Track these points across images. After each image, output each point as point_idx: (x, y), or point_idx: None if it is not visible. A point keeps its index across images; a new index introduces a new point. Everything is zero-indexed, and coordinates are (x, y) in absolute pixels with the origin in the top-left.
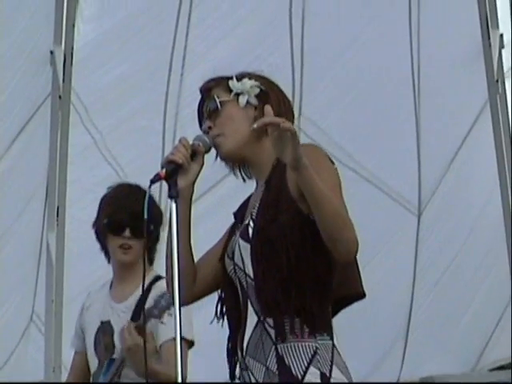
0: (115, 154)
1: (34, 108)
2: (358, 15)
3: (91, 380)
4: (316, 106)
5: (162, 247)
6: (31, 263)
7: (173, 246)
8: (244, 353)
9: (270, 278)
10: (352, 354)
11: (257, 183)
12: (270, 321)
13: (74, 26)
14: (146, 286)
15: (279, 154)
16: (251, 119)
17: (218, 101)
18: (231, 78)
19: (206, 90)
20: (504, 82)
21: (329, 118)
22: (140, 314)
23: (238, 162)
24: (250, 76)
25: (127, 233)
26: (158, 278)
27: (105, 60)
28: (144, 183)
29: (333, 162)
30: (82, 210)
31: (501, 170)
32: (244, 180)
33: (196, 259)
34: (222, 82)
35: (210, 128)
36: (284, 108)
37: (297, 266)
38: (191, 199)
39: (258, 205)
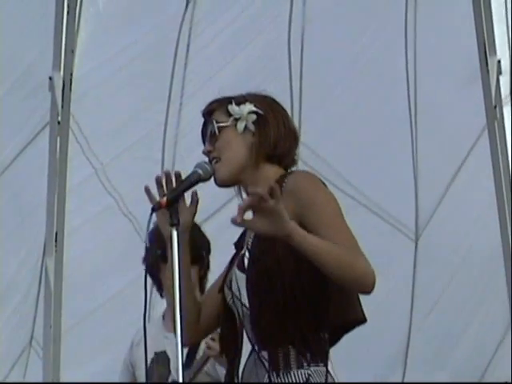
0: (115, 184)
1: (33, 133)
2: (353, 43)
3: None
4: (315, 134)
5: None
6: (31, 288)
7: (174, 273)
8: (239, 380)
9: (266, 310)
10: (350, 379)
11: None
12: (264, 351)
13: (72, 52)
14: None
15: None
16: (249, 145)
17: (215, 126)
18: (231, 101)
19: (208, 113)
20: (502, 108)
21: (327, 145)
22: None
23: (236, 186)
24: (252, 99)
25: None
26: None
27: (105, 91)
28: (144, 212)
29: (325, 185)
30: (83, 239)
31: (499, 195)
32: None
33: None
34: (223, 104)
35: (209, 152)
36: (284, 131)
37: (292, 296)
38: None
39: (253, 234)
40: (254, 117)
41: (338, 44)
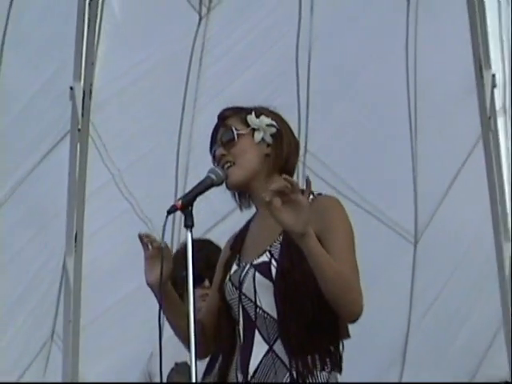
0: (132, 190)
1: (55, 140)
2: (357, 56)
3: None
4: (321, 143)
5: None
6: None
7: (188, 273)
8: (250, 377)
9: (294, 320)
10: (349, 376)
11: (256, 211)
12: (281, 350)
13: (92, 64)
14: None
15: (286, 223)
16: (263, 155)
17: (235, 133)
18: (250, 111)
19: (223, 119)
20: (496, 120)
21: (332, 154)
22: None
23: (243, 192)
24: (267, 113)
25: (207, 283)
26: None
27: (122, 101)
28: (159, 216)
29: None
30: (101, 241)
31: (493, 202)
32: (241, 209)
33: None
34: (239, 113)
35: (223, 156)
36: (294, 146)
37: (318, 308)
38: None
39: (278, 244)
40: (272, 130)
41: (342, 57)
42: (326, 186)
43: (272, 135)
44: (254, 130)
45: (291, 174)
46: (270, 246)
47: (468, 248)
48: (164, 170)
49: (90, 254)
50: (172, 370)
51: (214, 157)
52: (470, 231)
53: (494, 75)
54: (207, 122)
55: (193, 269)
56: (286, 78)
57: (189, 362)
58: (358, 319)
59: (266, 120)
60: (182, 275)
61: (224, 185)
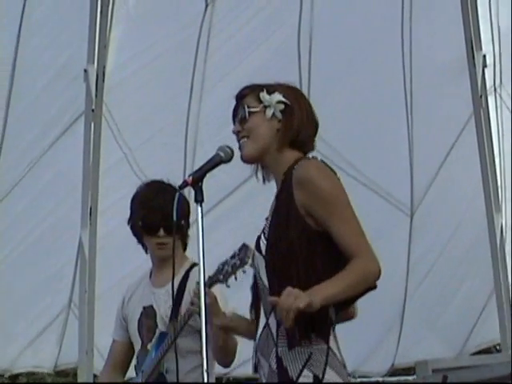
0: (142, 167)
1: (72, 118)
2: (355, 41)
3: (135, 361)
4: (321, 121)
5: (192, 232)
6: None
7: (199, 246)
8: (256, 349)
9: (282, 290)
10: (350, 341)
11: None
12: (273, 324)
13: (105, 47)
14: (183, 273)
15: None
16: (274, 130)
17: (247, 110)
18: (263, 89)
19: (241, 97)
20: (487, 98)
21: (333, 131)
22: (179, 297)
23: (258, 165)
24: (281, 89)
25: (161, 232)
26: (193, 265)
27: (134, 83)
28: None
29: (333, 171)
30: (115, 216)
31: (484, 175)
32: (264, 181)
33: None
34: (255, 90)
35: (238, 132)
36: (306, 120)
37: (306, 278)
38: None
39: (269, 221)
40: (281, 106)
41: (342, 42)
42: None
43: (282, 111)
44: (265, 106)
45: (306, 148)
46: (265, 220)
47: (461, 219)
48: (173, 148)
49: (104, 228)
50: (141, 314)
51: (233, 132)
52: (464, 203)
53: (484, 56)
54: (214, 103)
55: (147, 219)
56: (288, 61)
57: (154, 305)
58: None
59: (276, 97)
60: (138, 225)
61: (231, 161)
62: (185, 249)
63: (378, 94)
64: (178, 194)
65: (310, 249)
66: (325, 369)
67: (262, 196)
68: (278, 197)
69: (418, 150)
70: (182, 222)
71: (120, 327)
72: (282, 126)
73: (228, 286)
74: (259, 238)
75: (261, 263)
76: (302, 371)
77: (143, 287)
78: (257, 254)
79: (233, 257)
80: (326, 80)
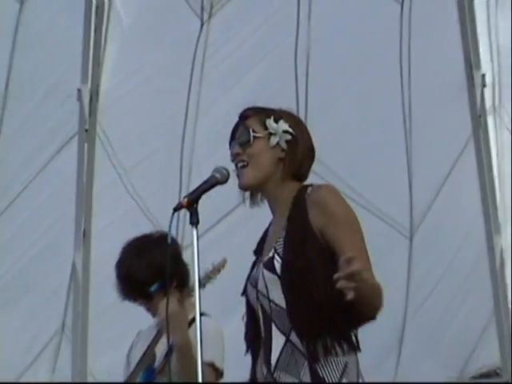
0: (137, 188)
1: (65, 139)
2: (354, 58)
3: None
4: (319, 142)
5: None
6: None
7: (194, 269)
8: (273, 368)
9: (302, 307)
10: None
11: (273, 216)
12: (297, 340)
13: (99, 65)
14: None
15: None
16: (276, 159)
17: (251, 135)
18: (270, 115)
19: (244, 118)
20: (486, 118)
21: (330, 152)
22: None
23: (254, 192)
24: (286, 117)
25: (139, 302)
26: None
27: (128, 103)
28: (164, 213)
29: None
30: (109, 239)
31: (483, 196)
32: (252, 205)
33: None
34: (260, 114)
35: (238, 154)
36: (308, 152)
37: (325, 293)
38: None
39: (282, 240)
40: (287, 136)
41: (339, 60)
42: (321, 181)
43: (287, 141)
44: (270, 133)
45: (304, 179)
46: (276, 243)
47: (462, 241)
48: (168, 169)
49: (98, 250)
50: (144, 353)
51: (231, 153)
52: (464, 225)
53: (483, 75)
54: (209, 123)
55: (120, 292)
56: (285, 80)
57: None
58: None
59: (283, 126)
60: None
61: (227, 183)
62: (184, 285)
63: (377, 115)
64: (171, 218)
65: (326, 266)
66: (357, 378)
67: (257, 219)
68: (290, 219)
69: (417, 171)
70: (153, 287)
71: (126, 370)
72: (286, 157)
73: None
74: (272, 258)
75: (273, 283)
76: (340, 379)
77: (148, 334)
78: (267, 273)
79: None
80: (323, 100)
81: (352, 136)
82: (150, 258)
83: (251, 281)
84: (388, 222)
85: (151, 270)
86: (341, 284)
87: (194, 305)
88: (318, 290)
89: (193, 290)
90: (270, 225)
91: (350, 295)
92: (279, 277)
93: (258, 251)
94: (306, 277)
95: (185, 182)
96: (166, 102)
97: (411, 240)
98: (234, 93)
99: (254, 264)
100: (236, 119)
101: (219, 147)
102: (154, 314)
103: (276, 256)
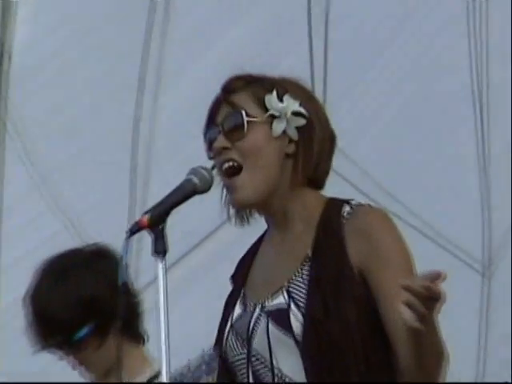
0: (65, 202)
1: None
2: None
3: None
4: (341, 131)
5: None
6: None
7: (161, 314)
8: None
9: (335, 380)
10: None
11: (272, 234)
12: None
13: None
14: None
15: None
16: (282, 155)
17: (245, 118)
18: (271, 88)
19: (229, 91)
20: None
21: (358, 145)
22: None
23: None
24: (295, 90)
25: (62, 354)
26: (154, 378)
27: (50, 77)
28: (107, 239)
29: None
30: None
31: None
32: (241, 223)
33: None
34: (254, 87)
35: (224, 149)
36: (328, 144)
37: (367, 369)
38: None
39: (302, 280)
40: (299, 121)
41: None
42: (355, 193)
43: (299, 128)
44: (273, 116)
45: (321, 184)
46: (289, 282)
47: None
48: (113, 170)
49: (6, 296)
50: None
51: (209, 146)
52: None
53: None
54: (176, 104)
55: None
56: (291, 41)
57: None
58: None
59: (291, 104)
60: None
61: (209, 191)
62: (143, 341)
63: (437, 101)
64: (125, 243)
65: (371, 330)
66: None
67: (244, 244)
68: (316, 256)
69: (493, 186)
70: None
71: None
72: (297, 152)
73: None
74: (287, 309)
75: (284, 346)
76: None
77: None
78: (276, 331)
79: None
80: (351, 74)
81: (390, 126)
82: (79, 287)
83: (237, 330)
84: (452, 251)
85: (80, 304)
86: (408, 299)
87: (148, 360)
88: (358, 368)
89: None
90: (259, 242)
91: (415, 323)
92: (296, 339)
93: (240, 280)
94: (342, 347)
95: (139, 191)
96: (108, 71)
97: (484, 275)
98: (209, 59)
99: (234, 300)
100: (215, 93)
101: (190, 139)
102: (85, 373)
103: (293, 306)
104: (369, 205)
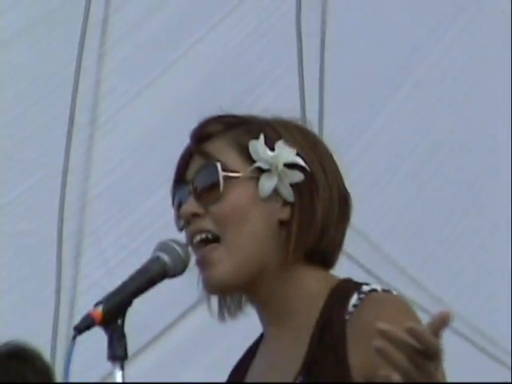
0: None
1: None
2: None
3: None
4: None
5: None
6: None
7: None
8: None
9: None
10: None
11: (266, 334)
12: None
13: None
14: None
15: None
16: (274, 224)
17: (221, 174)
18: (257, 131)
19: (202, 138)
20: None
21: (364, 212)
22: None
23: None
24: (289, 133)
25: None
26: None
27: None
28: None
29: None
30: None
31: None
32: (222, 316)
33: None
34: (237, 131)
35: (194, 216)
36: (336, 204)
37: None
38: None
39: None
40: (297, 176)
41: None
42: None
43: (295, 186)
44: (261, 170)
45: (331, 262)
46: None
47: None
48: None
49: None
50: None
51: (177, 211)
52: None
53: None
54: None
55: None
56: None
57: None
58: None
59: (286, 153)
60: None
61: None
62: None
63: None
64: (71, 346)
65: None
66: None
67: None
68: (310, 364)
69: None
70: None
71: None
72: (293, 219)
73: None
74: None
75: None
76: None
77: None
78: None
79: None
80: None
81: (403, 184)
82: None
83: None
84: (478, 342)
85: None
86: (382, 348)
87: None
88: None
89: None
90: (256, 344)
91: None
92: None
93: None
94: None
95: (67, 269)
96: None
97: None
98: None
99: None
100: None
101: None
102: None
103: None
104: (384, 291)
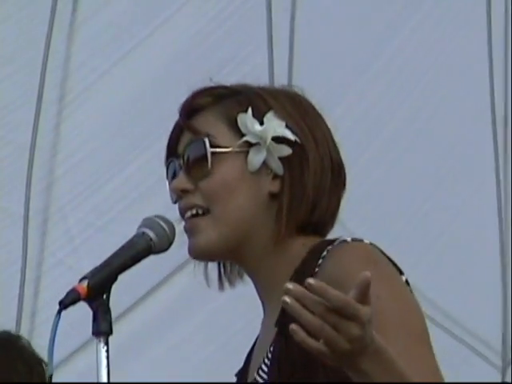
0: None
1: None
2: None
3: None
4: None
5: None
6: None
7: None
8: None
9: None
10: None
11: (264, 312)
12: None
13: None
14: None
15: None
16: (265, 196)
17: (208, 149)
18: (246, 104)
19: (191, 111)
20: None
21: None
22: None
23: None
24: (278, 106)
25: None
26: None
27: None
28: None
29: (401, 272)
30: None
31: None
32: (222, 287)
33: None
34: (227, 103)
35: (184, 191)
36: (329, 177)
37: None
38: None
39: (268, 358)
40: (285, 150)
41: None
42: None
43: (284, 159)
44: (249, 143)
45: (324, 231)
46: (260, 364)
47: None
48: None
49: None
50: None
51: (170, 185)
52: None
53: None
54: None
55: None
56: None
57: None
58: None
59: (274, 125)
60: None
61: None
62: None
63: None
64: (56, 319)
65: None
66: None
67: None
68: (281, 324)
69: None
70: None
71: None
72: (283, 192)
73: None
74: None
75: None
76: None
77: None
78: None
79: None
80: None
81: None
82: None
83: None
84: (469, 342)
85: None
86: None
87: None
88: None
89: None
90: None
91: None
92: None
93: (242, 375)
94: None
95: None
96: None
97: (504, 372)
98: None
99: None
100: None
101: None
102: None
103: (259, 379)
104: (353, 240)
